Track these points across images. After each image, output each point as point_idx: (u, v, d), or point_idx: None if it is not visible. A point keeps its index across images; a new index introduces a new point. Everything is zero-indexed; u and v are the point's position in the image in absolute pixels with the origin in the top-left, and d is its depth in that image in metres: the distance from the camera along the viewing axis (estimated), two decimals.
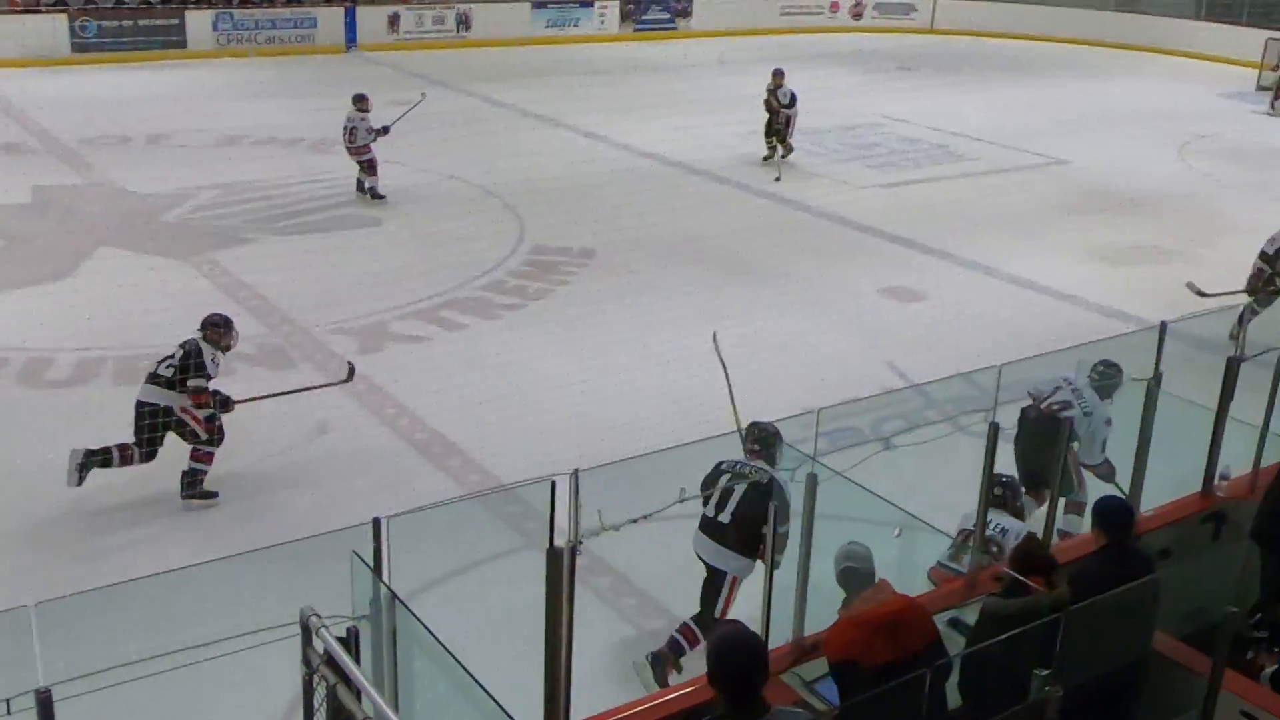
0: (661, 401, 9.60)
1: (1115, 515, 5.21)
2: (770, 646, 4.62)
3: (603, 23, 29.48)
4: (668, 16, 30.50)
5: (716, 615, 6.18)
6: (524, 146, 16.42)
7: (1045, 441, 6.23)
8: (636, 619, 6.96)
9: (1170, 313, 11.26)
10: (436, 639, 3.75)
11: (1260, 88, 24.69)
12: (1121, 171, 17.91)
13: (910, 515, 5.19)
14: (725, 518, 6.14)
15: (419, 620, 3.83)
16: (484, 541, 7.20)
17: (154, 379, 8.00)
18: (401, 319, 11.36)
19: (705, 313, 11.68)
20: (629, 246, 13.71)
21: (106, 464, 7.90)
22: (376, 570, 3.94)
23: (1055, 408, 6.84)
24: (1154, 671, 5.00)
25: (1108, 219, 15.61)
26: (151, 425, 7.92)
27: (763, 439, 6.46)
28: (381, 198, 14.85)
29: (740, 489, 6.14)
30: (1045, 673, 4.14)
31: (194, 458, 8.03)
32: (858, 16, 32.67)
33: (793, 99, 17.56)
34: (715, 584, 6.20)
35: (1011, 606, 4.68)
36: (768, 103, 17.55)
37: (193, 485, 8.02)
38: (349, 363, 9.51)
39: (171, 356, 8.01)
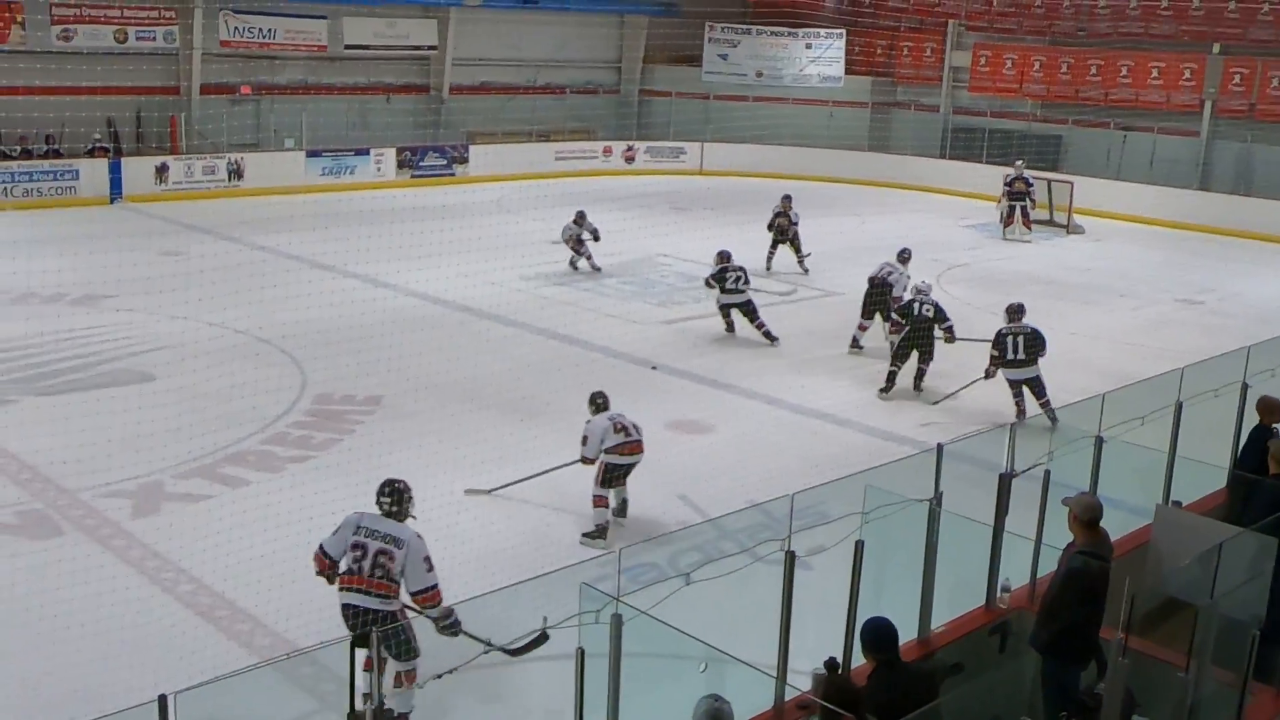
0: (452, 550, 9.43)
1: (875, 637, 5.40)
2: None
3: (379, 169, 29.54)
4: (445, 162, 30.83)
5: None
6: (303, 295, 16.13)
7: None
8: None
9: (941, 431, 11.89)
10: None
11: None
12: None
13: (716, 650, 5.20)
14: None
15: None
16: (279, 710, 6.85)
17: None
18: (180, 478, 10.88)
19: (496, 455, 11.65)
20: (415, 392, 13.55)
21: None
22: None
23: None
24: None
25: (879, 343, 16.36)
26: None
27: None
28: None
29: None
30: None
31: None
32: (630, 160, 33.77)
33: (798, 218, 21.16)
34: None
35: None
36: (779, 224, 20.91)
37: None
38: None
39: None
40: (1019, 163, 26.92)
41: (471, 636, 6.39)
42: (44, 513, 10.06)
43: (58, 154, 25.00)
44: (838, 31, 34.88)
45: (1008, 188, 26.17)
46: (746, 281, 16.43)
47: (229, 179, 27.05)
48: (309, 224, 21.32)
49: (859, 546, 6.05)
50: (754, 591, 6.79)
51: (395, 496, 7.28)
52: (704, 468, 11.65)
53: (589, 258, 20.45)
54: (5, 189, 23.94)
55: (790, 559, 5.65)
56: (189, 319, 15.83)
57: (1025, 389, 13.25)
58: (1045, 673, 6.27)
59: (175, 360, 14.39)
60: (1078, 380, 14.44)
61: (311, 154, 28.51)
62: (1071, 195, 27.09)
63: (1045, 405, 12.95)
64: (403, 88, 32.28)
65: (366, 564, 7.03)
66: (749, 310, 16.29)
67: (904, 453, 11.79)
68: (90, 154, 25.43)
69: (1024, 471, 7.03)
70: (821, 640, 6.46)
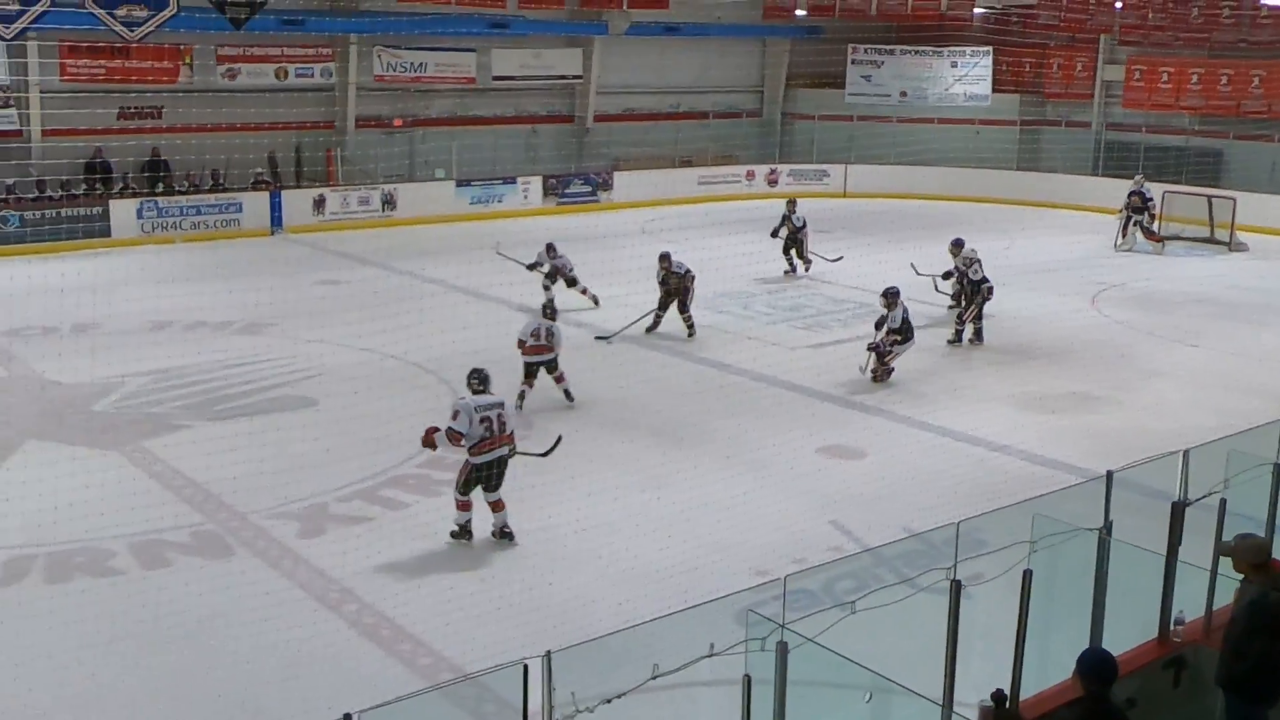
0: (610, 574, 9.53)
1: (1099, 669, 5.20)
2: None
3: (526, 197, 30.07)
4: (589, 189, 31.23)
5: None
6: (454, 321, 16.51)
7: None
8: None
9: (1102, 458, 11.55)
10: None
11: (1158, 237, 25.81)
12: (1039, 321, 18.46)
13: (884, 678, 5.14)
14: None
15: None
16: None
17: None
18: (342, 500, 11.22)
19: (644, 479, 11.72)
20: (563, 416, 13.75)
21: None
22: None
23: None
24: None
25: (1031, 369, 16.02)
26: None
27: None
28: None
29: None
30: None
31: None
32: (773, 183, 33.71)
33: (804, 222, 21.97)
34: None
35: None
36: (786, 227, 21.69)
37: None
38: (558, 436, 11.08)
39: None
40: (1137, 176, 26.47)
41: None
42: (217, 533, 10.47)
43: (223, 188, 26.08)
44: (984, 49, 34.27)
45: (1127, 200, 25.66)
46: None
47: (382, 209, 27.86)
48: (460, 252, 21.81)
49: (1027, 575, 5.92)
50: (915, 620, 6.70)
51: (483, 378, 10.53)
52: (856, 493, 11.53)
53: (553, 286, 18.89)
54: (175, 223, 25.05)
55: (956, 588, 5.55)
56: (347, 345, 16.35)
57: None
58: (1230, 711, 6.03)
59: (334, 385, 14.86)
60: (1248, 404, 13.90)
61: (461, 183, 29.18)
62: (1234, 212, 26.07)
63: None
64: (548, 117, 32.83)
65: (496, 426, 10.18)
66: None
67: (1063, 480, 11.49)
68: (253, 187, 26.48)
69: (1198, 500, 6.79)
70: (986, 671, 6.33)
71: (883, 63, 35.24)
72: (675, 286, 17.34)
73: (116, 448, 12.61)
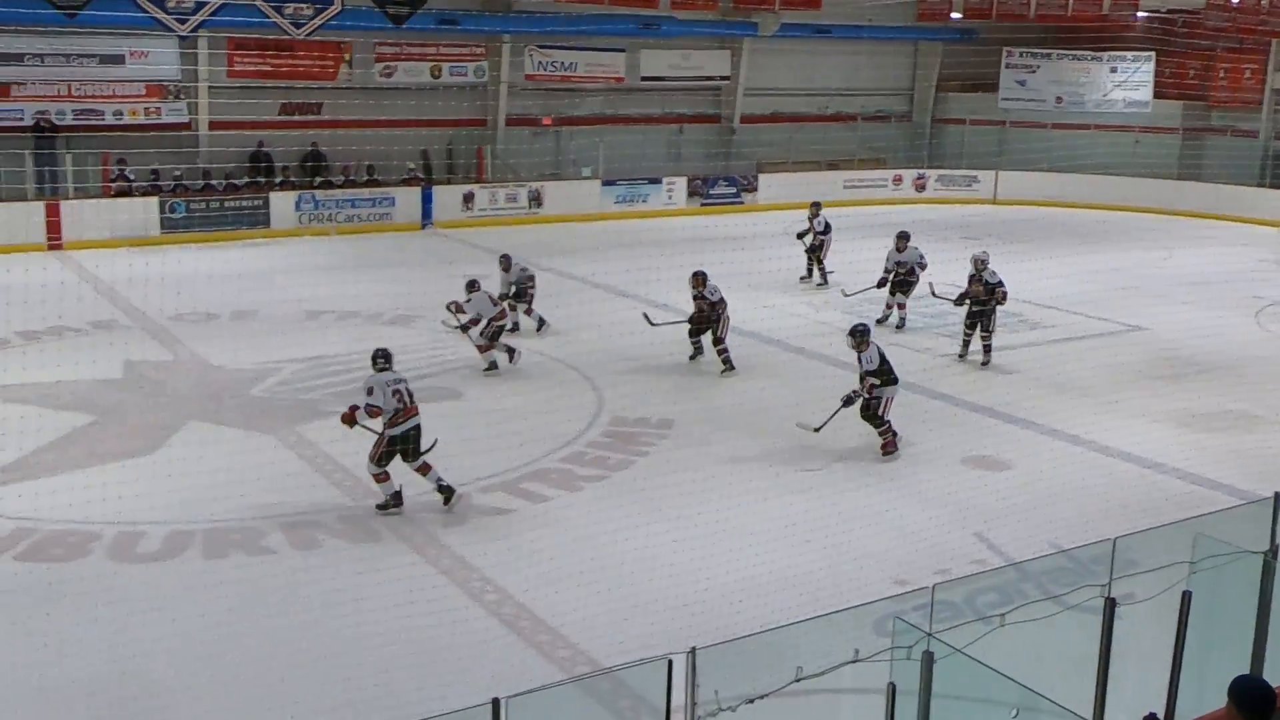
0: (745, 576, 9.49)
1: (1253, 698, 4.97)
2: None
3: (670, 198, 30.19)
4: (734, 191, 31.20)
5: None
6: (597, 318, 16.67)
7: None
8: None
9: (1264, 480, 11.08)
10: None
11: None
12: (1199, 337, 17.77)
13: (1034, 693, 5.01)
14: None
15: None
16: None
17: None
18: (485, 491, 11.40)
19: (784, 484, 11.65)
20: (705, 417, 13.76)
21: None
22: None
23: None
24: None
25: (1189, 385, 15.44)
26: None
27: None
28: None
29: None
30: None
31: None
32: (921, 188, 33.21)
33: (827, 227, 20.77)
34: None
35: None
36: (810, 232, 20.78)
37: None
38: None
39: None
40: None
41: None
42: (363, 518, 10.76)
43: (376, 183, 26.80)
44: (1146, 54, 33.13)
45: None
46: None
47: (529, 206, 28.29)
48: (604, 250, 22.00)
49: (1186, 597, 5.71)
50: (1062, 637, 6.53)
51: (387, 356, 11.06)
52: (1001, 506, 11.26)
53: (519, 315, 17.36)
54: (331, 215, 25.83)
55: (1110, 606, 5.39)
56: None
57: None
58: None
59: (479, 378, 15.13)
60: None
61: (607, 183, 29.45)
62: None
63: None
64: (695, 117, 32.89)
65: (406, 398, 10.78)
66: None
67: (1221, 501, 11.06)
68: (405, 182, 27.14)
69: None
70: (1139, 693, 6.14)
71: (1038, 67, 34.39)
72: (705, 314, 15.71)
73: (272, 431, 13.05)
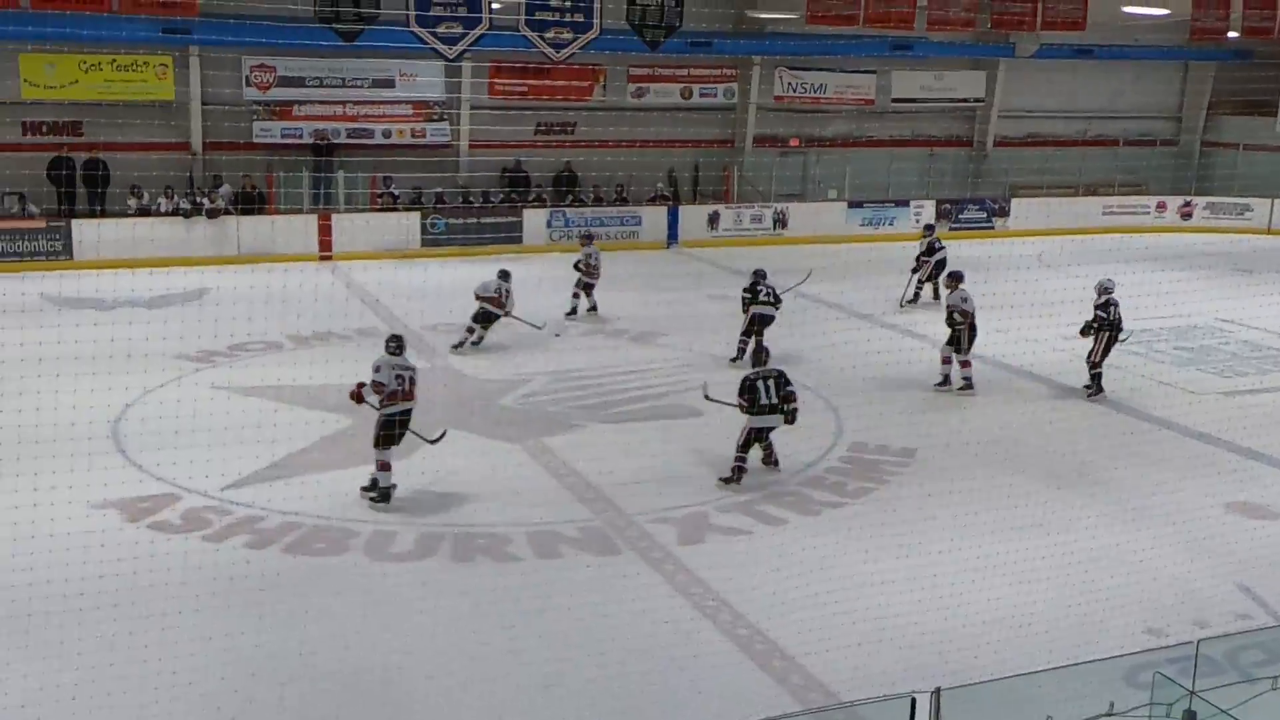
0: (983, 613, 9.22)
1: None
2: None
3: (917, 221, 29.62)
4: (985, 215, 30.40)
5: None
6: (839, 342, 16.50)
7: None
8: None
9: None
10: None
11: None
12: None
13: None
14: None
15: None
16: None
17: None
18: (722, 511, 11.47)
19: (1031, 521, 11.23)
20: (948, 447, 13.43)
21: None
22: None
23: None
24: None
25: None
26: None
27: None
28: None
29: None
30: None
31: None
32: (1187, 216, 31.54)
33: (930, 248, 21.04)
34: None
35: None
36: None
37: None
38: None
39: None
40: None
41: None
42: (604, 531, 10.98)
43: (624, 201, 27.36)
44: None
45: None
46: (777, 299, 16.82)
47: (773, 227, 28.32)
48: (848, 273, 21.77)
49: None
50: None
51: (399, 342, 11.55)
52: (1270, 557, 10.57)
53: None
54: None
55: None
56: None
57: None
58: None
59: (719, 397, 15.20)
60: None
61: (853, 204, 29.19)
62: None
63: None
64: (945, 140, 32.25)
65: (408, 384, 11.28)
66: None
67: None
68: (652, 201, 27.62)
69: None
70: None
71: None
72: (756, 323, 16.55)
73: (519, 441, 13.49)
